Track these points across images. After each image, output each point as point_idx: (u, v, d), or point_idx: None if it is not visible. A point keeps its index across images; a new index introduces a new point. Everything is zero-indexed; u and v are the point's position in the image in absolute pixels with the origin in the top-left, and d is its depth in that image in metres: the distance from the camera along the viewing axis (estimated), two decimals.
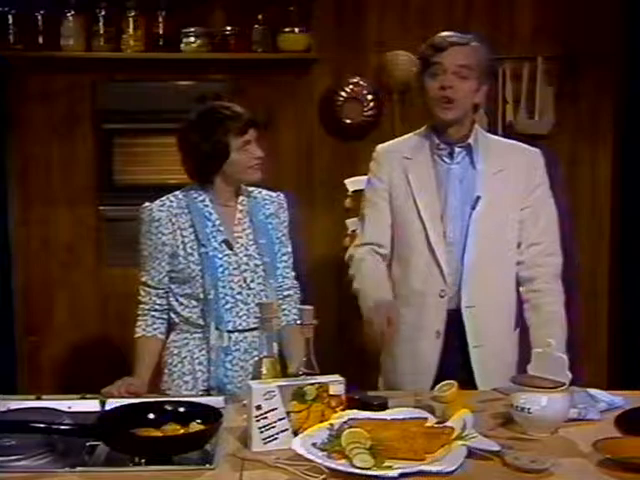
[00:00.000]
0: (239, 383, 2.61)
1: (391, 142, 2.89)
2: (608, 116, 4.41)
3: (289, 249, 2.79)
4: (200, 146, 2.64)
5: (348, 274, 2.82)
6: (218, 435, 2.08)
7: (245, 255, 2.67)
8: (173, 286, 2.69)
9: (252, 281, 2.66)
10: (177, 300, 2.69)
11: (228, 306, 2.64)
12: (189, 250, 2.64)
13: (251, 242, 2.69)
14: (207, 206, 2.68)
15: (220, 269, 2.63)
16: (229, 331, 2.64)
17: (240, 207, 2.72)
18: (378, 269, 2.76)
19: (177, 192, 2.72)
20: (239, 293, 2.65)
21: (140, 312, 2.73)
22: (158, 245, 2.66)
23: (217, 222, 2.67)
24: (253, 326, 2.63)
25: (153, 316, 2.71)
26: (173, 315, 2.71)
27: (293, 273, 2.81)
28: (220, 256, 2.64)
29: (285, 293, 2.77)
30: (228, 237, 2.67)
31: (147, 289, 2.71)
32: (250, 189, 2.76)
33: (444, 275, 2.68)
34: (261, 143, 2.71)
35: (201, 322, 2.66)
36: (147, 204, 2.70)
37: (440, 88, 2.64)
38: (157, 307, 2.70)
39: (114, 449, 2.01)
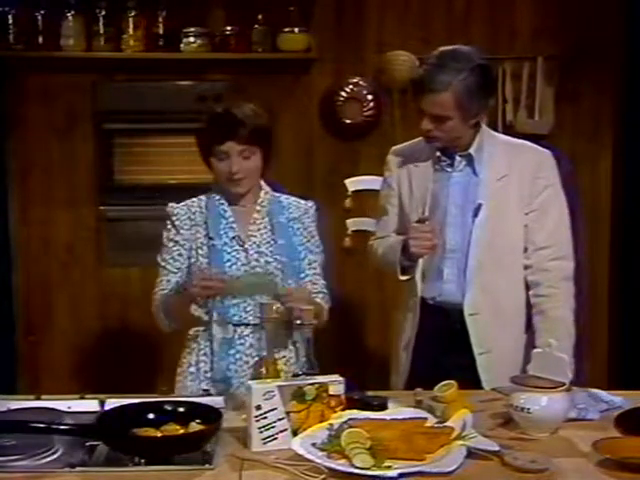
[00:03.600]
0: (243, 378, 2.60)
1: (404, 146, 2.89)
2: (608, 116, 4.42)
3: (317, 257, 2.76)
4: (197, 134, 2.70)
5: (372, 260, 2.94)
6: (218, 435, 2.08)
7: (256, 252, 2.67)
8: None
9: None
10: None
11: (235, 300, 2.64)
12: (199, 244, 2.68)
13: (265, 242, 2.69)
14: (223, 204, 2.71)
15: (228, 263, 2.65)
16: (234, 324, 2.64)
17: (258, 207, 2.73)
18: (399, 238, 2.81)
19: (201, 196, 2.76)
20: None
21: (158, 292, 2.70)
22: (178, 239, 2.70)
23: (231, 219, 2.70)
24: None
25: (171, 290, 2.69)
26: None
27: (323, 281, 2.76)
28: (229, 251, 2.66)
29: (313, 296, 2.71)
30: (240, 234, 2.69)
31: (165, 277, 2.70)
32: (277, 194, 2.78)
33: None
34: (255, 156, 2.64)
35: (207, 318, 2.67)
36: (172, 204, 2.75)
37: (424, 129, 2.65)
38: (174, 287, 2.69)
39: (114, 449, 2.01)
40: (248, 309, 2.65)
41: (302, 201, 2.80)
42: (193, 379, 2.68)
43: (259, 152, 2.64)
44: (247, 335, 2.65)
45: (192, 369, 2.69)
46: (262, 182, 2.76)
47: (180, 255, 2.70)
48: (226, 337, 2.64)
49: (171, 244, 2.71)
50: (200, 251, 2.67)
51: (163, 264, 2.72)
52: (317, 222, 2.80)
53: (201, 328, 2.69)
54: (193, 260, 2.68)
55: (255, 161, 2.65)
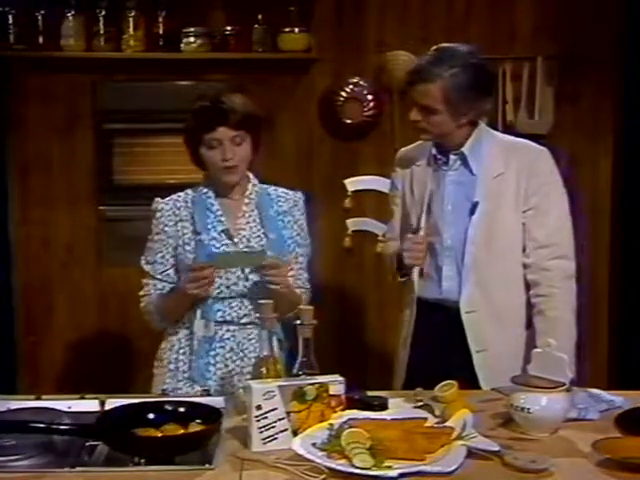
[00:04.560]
0: (222, 381, 2.60)
1: (410, 148, 2.92)
2: (608, 116, 4.41)
3: (304, 250, 2.75)
4: (185, 130, 2.68)
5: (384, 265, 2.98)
6: (218, 435, 2.08)
7: (246, 246, 2.65)
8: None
9: (250, 272, 2.63)
10: None
11: (221, 295, 2.62)
12: (186, 240, 2.66)
13: (255, 235, 2.67)
14: (210, 198, 2.69)
15: None
16: (216, 322, 2.62)
17: (247, 200, 2.71)
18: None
19: (188, 189, 2.74)
20: (235, 284, 2.63)
21: (143, 305, 2.72)
22: (162, 237, 2.68)
23: (218, 213, 2.67)
24: (243, 320, 2.63)
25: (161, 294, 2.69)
26: None
27: (306, 275, 2.75)
28: (217, 245, 2.64)
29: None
30: (229, 228, 2.67)
31: (151, 281, 2.70)
32: (265, 186, 2.76)
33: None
34: (250, 146, 2.65)
35: (189, 315, 2.66)
36: (157, 198, 2.74)
37: (412, 119, 2.68)
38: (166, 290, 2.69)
39: (114, 449, 2.01)
40: (233, 304, 2.63)
41: (290, 192, 2.77)
42: (171, 377, 2.67)
43: (249, 139, 2.64)
44: (228, 338, 2.63)
45: (171, 366, 2.68)
46: (250, 174, 2.75)
47: (163, 257, 2.68)
48: (207, 335, 2.62)
49: (156, 246, 2.69)
50: (187, 247, 2.65)
51: (147, 268, 2.70)
52: (305, 213, 2.78)
53: (183, 324, 2.68)
54: (181, 257, 2.66)
55: (246, 148, 2.64)
